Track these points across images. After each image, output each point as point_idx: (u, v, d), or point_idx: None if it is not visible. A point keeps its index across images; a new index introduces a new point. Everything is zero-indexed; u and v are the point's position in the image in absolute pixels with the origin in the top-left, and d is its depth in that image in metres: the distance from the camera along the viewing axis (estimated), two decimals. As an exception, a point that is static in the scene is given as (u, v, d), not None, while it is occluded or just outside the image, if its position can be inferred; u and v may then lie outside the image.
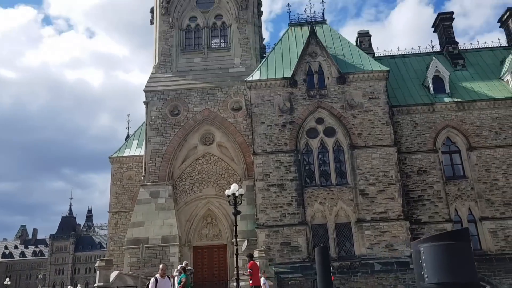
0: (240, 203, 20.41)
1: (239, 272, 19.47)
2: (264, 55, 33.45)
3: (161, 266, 11.78)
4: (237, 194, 19.72)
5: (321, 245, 17.06)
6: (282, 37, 33.01)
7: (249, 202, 27.79)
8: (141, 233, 28.08)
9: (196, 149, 30.85)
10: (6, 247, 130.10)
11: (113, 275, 23.04)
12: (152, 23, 35.71)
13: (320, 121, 28.36)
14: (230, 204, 20.37)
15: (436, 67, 30.81)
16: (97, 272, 21.54)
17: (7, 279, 73.73)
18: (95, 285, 21.67)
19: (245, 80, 29.36)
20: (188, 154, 30.78)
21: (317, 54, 29.40)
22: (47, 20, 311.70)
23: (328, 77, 28.86)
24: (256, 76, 29.44)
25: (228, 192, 20.08)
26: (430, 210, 27.53)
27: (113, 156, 38.59)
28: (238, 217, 22.27)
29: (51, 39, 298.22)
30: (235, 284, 19.68)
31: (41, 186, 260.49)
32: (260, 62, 31.32)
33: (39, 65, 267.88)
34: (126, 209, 36.43)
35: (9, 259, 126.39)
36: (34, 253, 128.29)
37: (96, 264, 21.73)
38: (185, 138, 30.68)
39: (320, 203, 26.76)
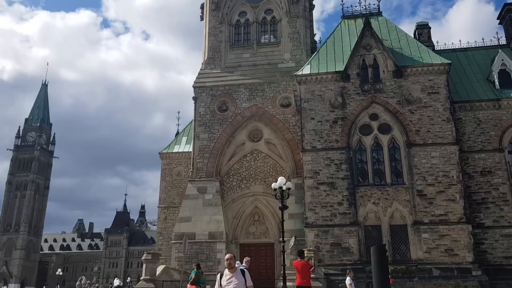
0: (287, 198, 19.52)
1: (286, 271, 18.61)
2: (315, 50, 32.35)
3: (227, 256, 8.81)
4: (284, 188, 18.82)
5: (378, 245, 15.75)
6: (334, 30, 31.75)
7: (297, 201, 26.89)
8: (188, 228, 27.90)
9: (244, 146, 30.32)
10: (64, 240, 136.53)
11: (159, 269, 22.89)
12: (202, 19, 35.61)
13: (374, 117, 26.93)
14: (276, 198, 19.50)
15: (503, 60, 28.60)
16: (144, 266, 21.41)
17: (59, 270, 77.53)
18: (141, 278, 21.56)
19: (295, 74, 28.44)
20: (236, 150, 30.31)
21: (372, 46, 27.96)
22: (105, 23, 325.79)
23: (383, 71, 27.36)
24: (306, 70, 28.45)
25: (274, 185, 19.21)
26: (495, 214, 25.49)
27: (163, 152, 39.01)
28: (286, 215, 21.40)
29: (109, 41, 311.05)
30: (281, 283, 18.82)
31: (98, 182, 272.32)
32: (311, 58, 30.28)
33: (98, 67, 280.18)
34: (175, 204, 36.62)
35: (67, 251, 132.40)
36: (90, 246, 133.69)
37: (143, 258, 21.60)
38: (232, 134, 30.24)
39: (373, 203, 25.37)
